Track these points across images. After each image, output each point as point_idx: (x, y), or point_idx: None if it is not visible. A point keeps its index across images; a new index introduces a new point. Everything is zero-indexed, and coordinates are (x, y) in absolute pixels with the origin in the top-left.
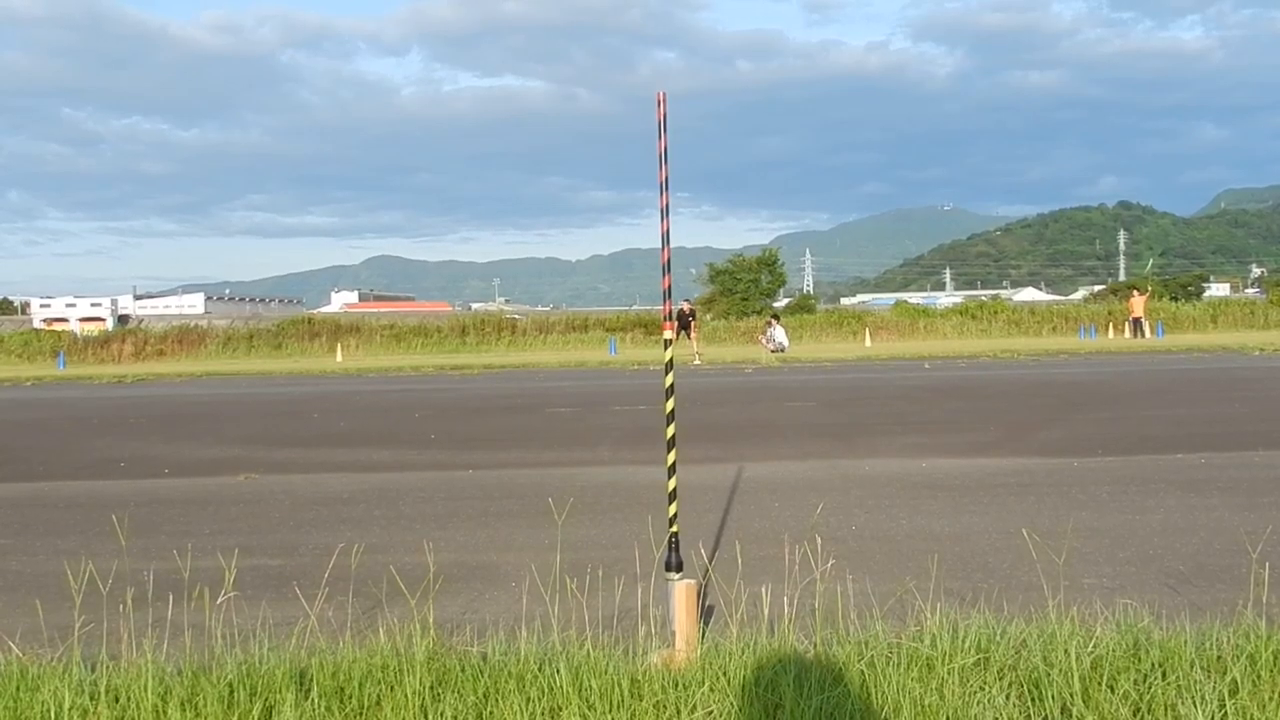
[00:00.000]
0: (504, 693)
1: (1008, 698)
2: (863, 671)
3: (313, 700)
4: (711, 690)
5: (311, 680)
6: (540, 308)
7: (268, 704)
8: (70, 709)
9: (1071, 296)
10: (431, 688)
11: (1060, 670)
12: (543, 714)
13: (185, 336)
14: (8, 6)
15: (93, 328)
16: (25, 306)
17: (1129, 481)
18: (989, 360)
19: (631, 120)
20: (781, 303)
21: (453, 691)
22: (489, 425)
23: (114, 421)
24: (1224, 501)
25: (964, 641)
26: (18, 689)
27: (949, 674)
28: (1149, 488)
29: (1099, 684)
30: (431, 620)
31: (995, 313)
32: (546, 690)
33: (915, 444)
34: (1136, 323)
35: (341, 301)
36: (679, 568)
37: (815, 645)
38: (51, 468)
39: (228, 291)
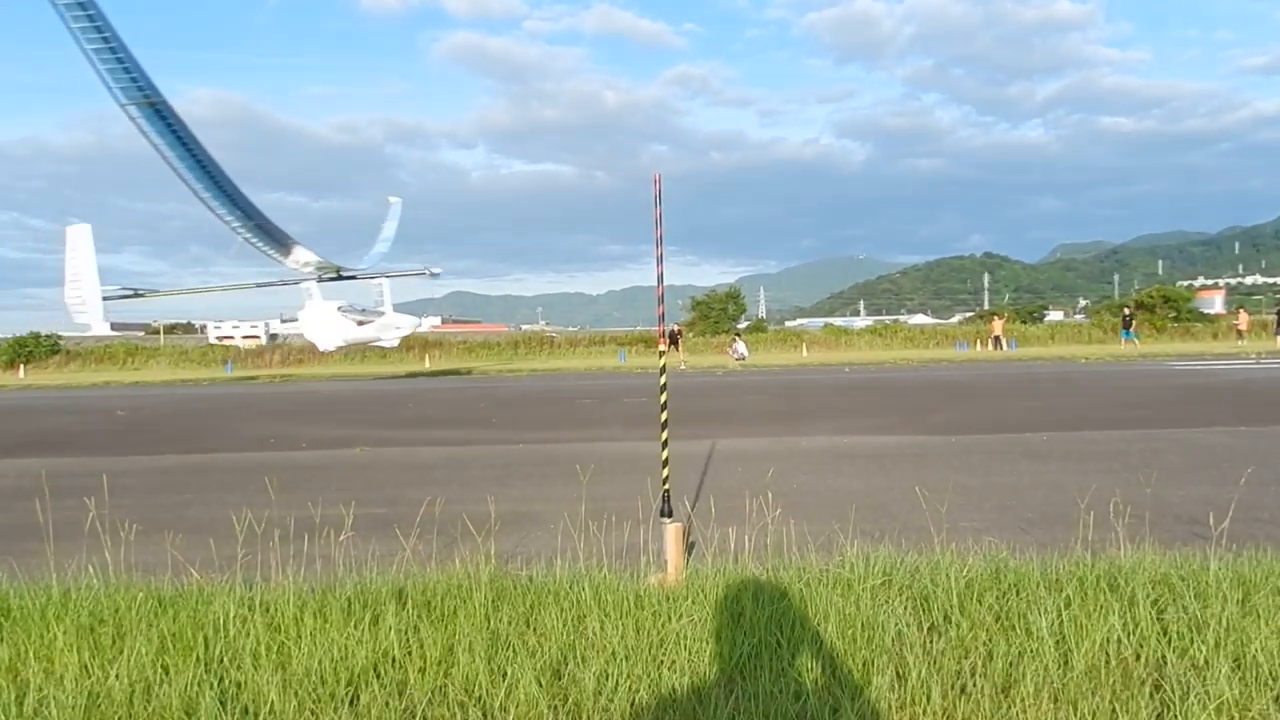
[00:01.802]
0: (545, 604)
1: (905, 608)
2: (801, 590)
3: (408, 610)
4: (693, 603)
5: (407, 596)
6: (571, 328)
7: (375, 613)
8: (234, 617)
9: (950, 320)
10: (493, 601)
11: (943, 589)
12: (573, 619)
13: (317, 349)
14: (190, 112)
15: (251, 343)
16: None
17: (992, 453)
18: (891, 366)
19: (636, 193)
20: (743, 324)
21: (508, 603)
22: (534, 412)
23: (266, 410)
24: (1060, 467)
25: (874, 567)
26: (196, 603)
27: (863, 591)
28: (1007, 457)
29: (971, 598)
30: (493, 552)
31: (896, 332)
32: (575, 602)
33: (839, 425)
34: (996, 339)
35: (429, 324)
36: (670, 514)
37: (767, 571)
38: (222, 442)
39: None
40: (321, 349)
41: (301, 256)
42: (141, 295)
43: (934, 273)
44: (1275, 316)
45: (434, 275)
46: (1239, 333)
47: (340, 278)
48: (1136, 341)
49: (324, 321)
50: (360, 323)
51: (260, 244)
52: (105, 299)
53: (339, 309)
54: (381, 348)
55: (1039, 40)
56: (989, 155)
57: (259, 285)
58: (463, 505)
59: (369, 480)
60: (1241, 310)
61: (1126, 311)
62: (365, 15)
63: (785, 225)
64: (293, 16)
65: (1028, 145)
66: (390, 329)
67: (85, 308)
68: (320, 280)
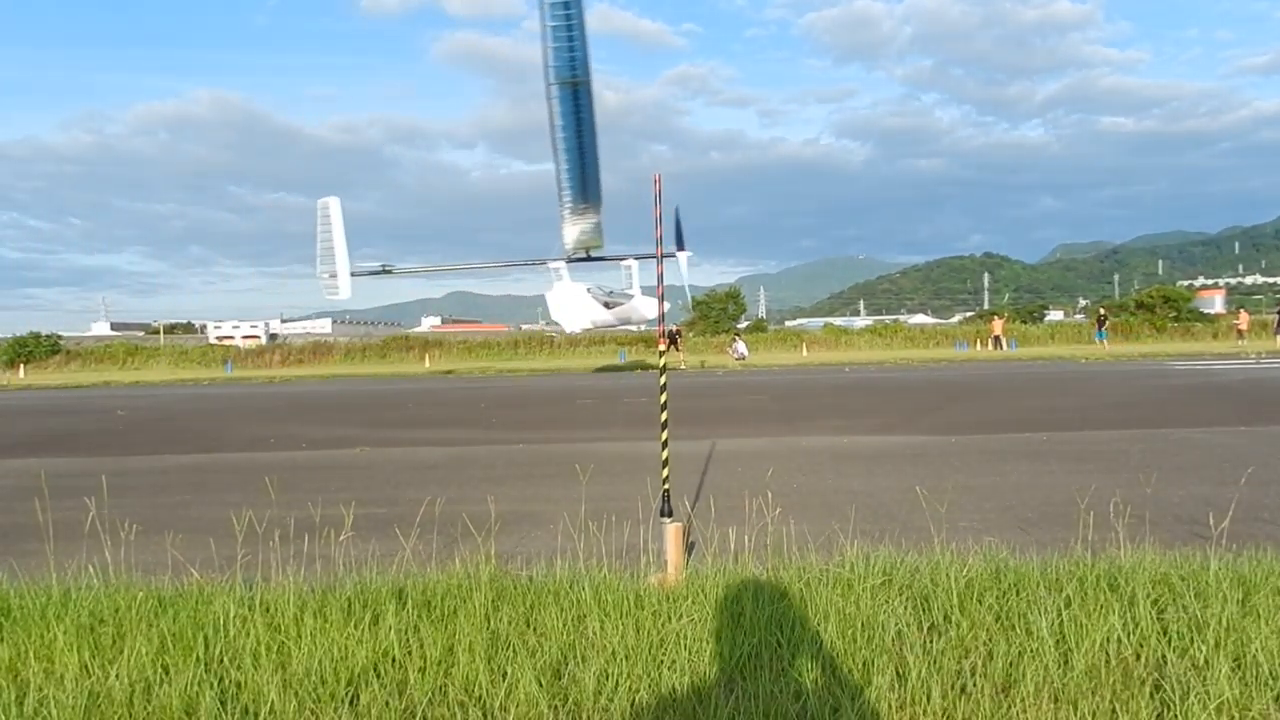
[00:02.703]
0: (545, 604)
1: (905, 608)
2: (801, 590)
3: (408, 610)
4: (693, 603)
5: (407, 596)
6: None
7: (375, 613)
8: (234, 617)
9: (950, 320)
10: (493, 601)
11: (943, 588)
12: (573, 620)
13: (317, 349)
14: (191, 113)
15: (251, 343)
16: (203, 328)
17: (992, 453)
18: (891, 366)
19: (636, 194)
20: (743, 324)
21: (508, 603)
22: (534, 412)
23: (266, 410)
24: (1060, 467)
25: (874, 567)
26: (196, 602)
27: (863, 591)
28: (1007, 457)
29: (971, 598)
30: (493, 552)
31: (895, 332)
32: (575, 602)
33: (839, 425)
34: (997, 339)
35: (429, 324)
36: (670, 514)
37: (767, 570)
38: (221, 442)
39: (348, 317)
40: (567, 330)
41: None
42: (390, 271)
43: (934, 273)
44: (1275, 316)
45: (692, 263)
46: (1239, 333)
47: (589, 258)
48: (1105, 343)
49: (573, 303)
50: (608, 305)
51: (575, 228)
52: (354, 275)
53: (588, 290)
54: (625, 333)
55: (1039, 40)
56: (989, 155)
57: (509, 264)
58: (463, 505)
59: (369, 480)
60: (1242, 310)
61: (1101, 312)
62: (365, 15)
63: (785, 225)
64: (293, 16)
65: (1028, 145)
66: (637, 312)
67: (336, 283)
68: (570, 260)
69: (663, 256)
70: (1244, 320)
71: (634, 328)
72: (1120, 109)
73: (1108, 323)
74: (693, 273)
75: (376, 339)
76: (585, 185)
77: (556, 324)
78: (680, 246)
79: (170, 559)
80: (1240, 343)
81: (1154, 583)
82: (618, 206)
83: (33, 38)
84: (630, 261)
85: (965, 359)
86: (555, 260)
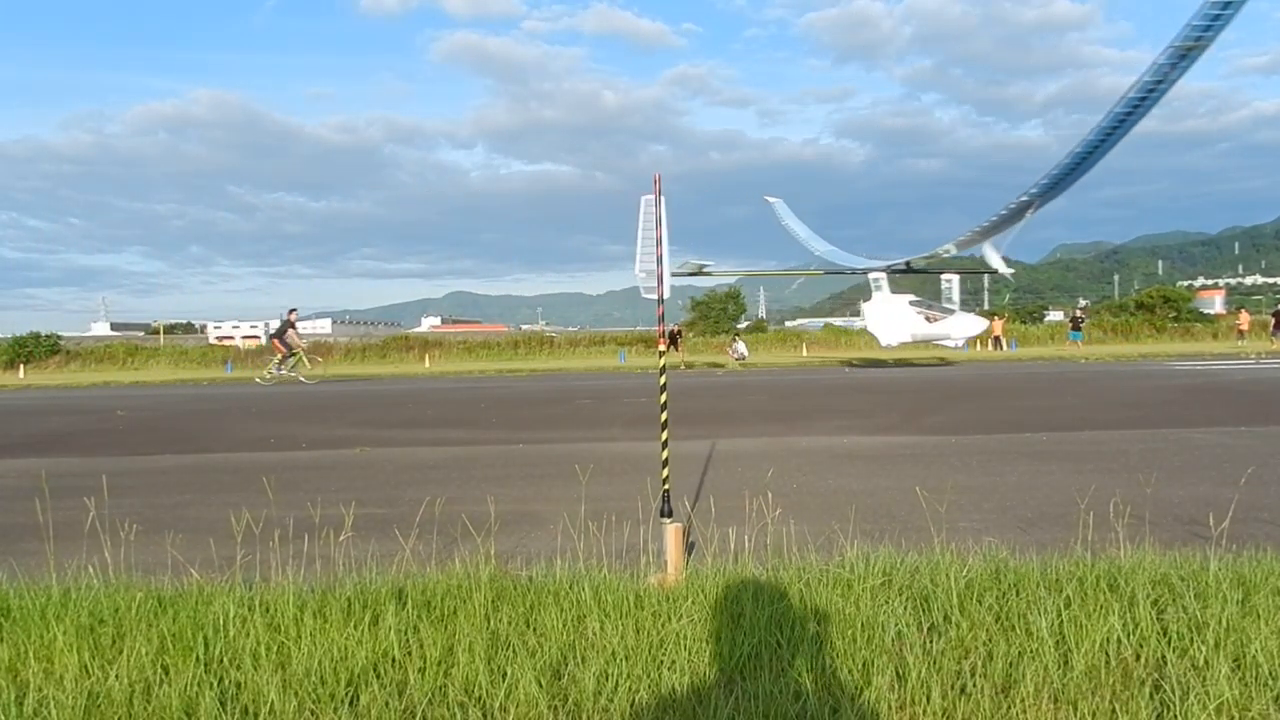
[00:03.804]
0: (545, 604)
1: (905, 608)
2: (801, 590)
3: (408, 611)
4: (693, 603)
5: (407, 596)
6: (571, 328)
7: (375, 613)
8: (233, 617)
9: None
10: (493, 601)
11: (943, 588)
12: (573, 620)
13: (317, 349)
14: (190, 113)
15: (251, 343)
16: (203, 328)
17: (992, 453)
18: (891, 366)
19: (636, 194)
20: (743, 324)
21: (508, 604)
22: (534, 412)
23: (265, 410)
24: (1060, 467)
25: (874, 567)
26: (195, 603)
27: (863, 591)
28: (1006, 457)
29: (971, 598)
30: (493, 552)
31: None
32: (575, 603)
33: (838, 425)
34: (997, 339)
35: (428, 324)
36: (670, 515)
37: (767, 571)
38: (221, 443)
39: (347, 317)
40: (884, 344)
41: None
42: (708, 273)
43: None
44: (1273, 317)
45: (1008, 275)
46: (1240, 333)
47: (910, 270)
48: (1080, 343)
49: (893, 316)
50: (930, 319)
51: (1003, 224)
52: (674, 275)
53: (910, 303)
54: (944, 347)
55: (1038, 40)
56: (988, 155)
57: (826, 272)
58: (463, 505)
59: (369, 480)
60: (1243, 311)
61: (1078, 314)
62: (364, 15)
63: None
64: (292, 16)
65: (1027, 145)
66: (959, 327)
67: (656, 282)
68: (890, 272)
69: (662, 257)
70: (1245, 320)
71: (953, 342)
72: None
73: (1084, 324)
74: None
75: (376, 339)
76: (1083, 170)
77: (872, 335)
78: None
79: (170, 559)
80: (1241, 343)
81: (1154, 583)
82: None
83: (33, 38)
84: (951, 276)
85: (966, 359)
86: (875, 271)
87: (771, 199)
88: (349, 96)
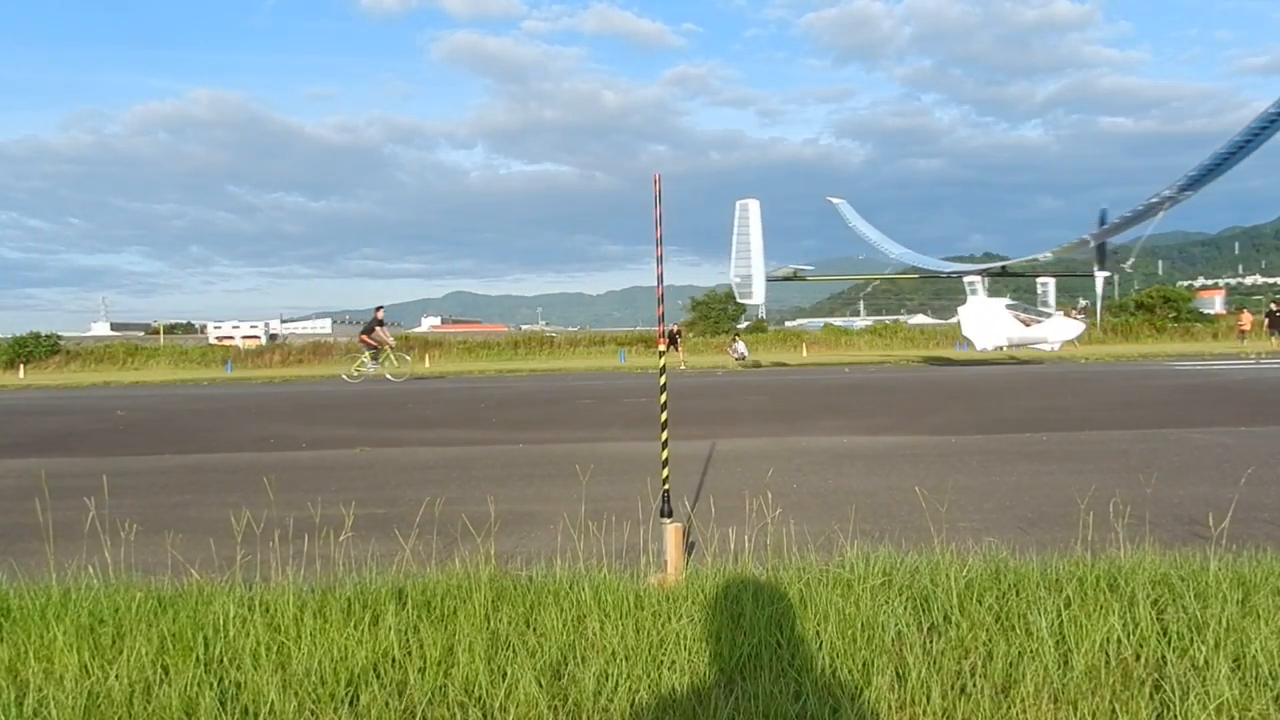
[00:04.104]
0: (545, 604)
1: (905, 608)
2: (801, 590)
3: (408, 611)
4: (693, 603)
5: (407, 596)
6: (570, 328)
7: (375, 613)
8: (233, 617)
9: (950, 321)
10: (493, 601)
11: (943, 588)
12: (573, 620)
13: (317, 349)
14: (190, 113)
15: (251, 343)
16: (203, 328)
17: (992, 453)
18: (891, 366)
19: (635, 194)
20: (743, 325)
21: (508, 604)
22: (534, 412)
23: (266, 410)
24: (1060, 467)
25: (874, 567)
26: (195, 603)
27: (863, 591)
28: (1006, 457)
29: (971, 598)
30: (493, 552)
31: (895, 332)
32: (575, 603)
33: (838, 425)
34: None
35: (428, 324)
36: (670, 515)
37: (767, 571)
38: (221, 443)
39: (348, 317)
40: (979, 347)
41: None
42: (802, 278)
43: None
44: (1266, 317)
45: (1113, 275)
46: (1242, 333)
47: (1005, 273)
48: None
49: (989, 319)
50: (1026, 323)
51: (1132, 222)
52: (769, 279)
53: (1007, 307)
54: (1039, 351)
55: (1038, 40)
56: (989, 155)
57: (925, 275)
58: (463, 505)
59: (369, 480)
60: (1244, 311)
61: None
62: (364, 15)
63: (785, 225)
64: (292, 16)
65: (1027, 145)
66: (1056, 330)
67: (750, 286)
68: (986, 275)
69: (662, 258)
70: (1247, 321)
71: (1049, 346)
72: (1120, 109)
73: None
74: (693, 273)
75: None
76: (1225, 169)
77: (968, 339)
78: (1101, 263)
79: (170, 559)
80: (1242, 344)
81: (1154, 583)
82: (614, 207)
83: (33, 38)
84: (1047, 280)
85: (965, 359)
86: (971, 274)
87: (835, 200)
88: (349, 96)
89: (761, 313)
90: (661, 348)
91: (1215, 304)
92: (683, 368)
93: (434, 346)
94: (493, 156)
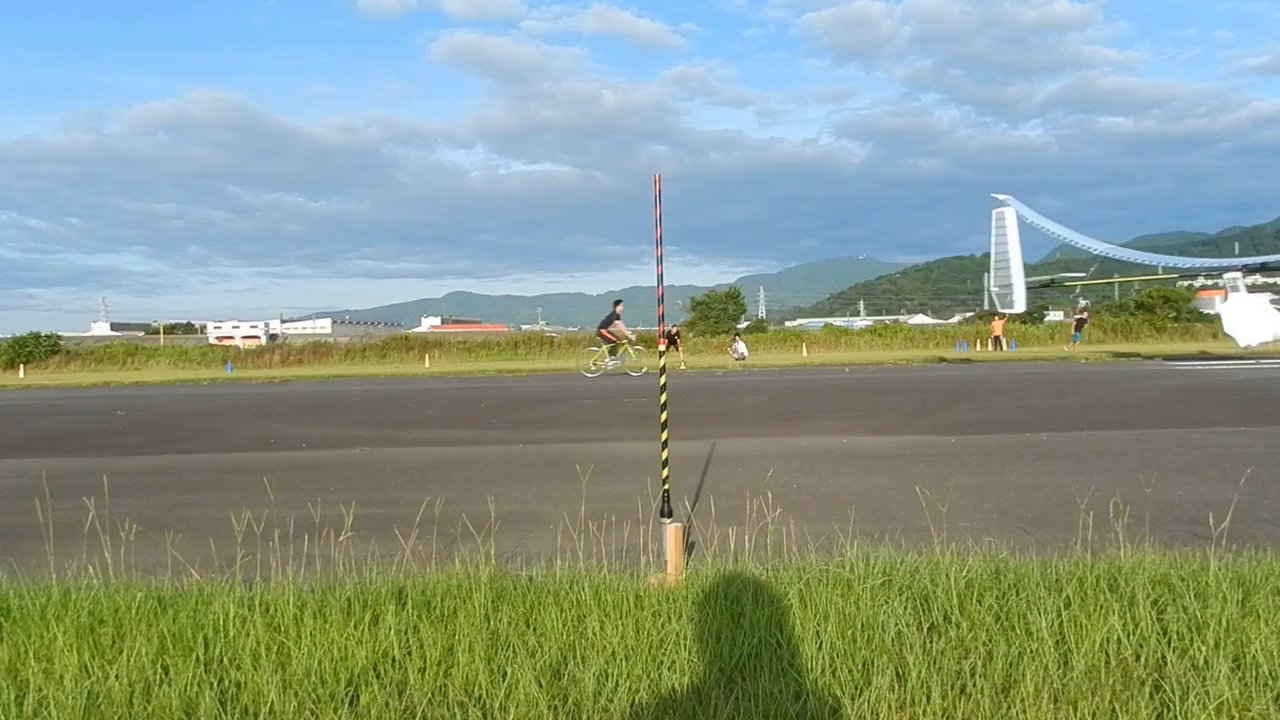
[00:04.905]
0: (544, 605)
1: (905, 608)
2: (801, 590)
3: (408, 611)
4: (693, 603)
5: (407, 596)
6: (570, 328)
7: (375, 613)
8: (233, 617)
9: (950, 320)
10: (493, 601)
11: (943, 588)
12: (573, 620)
13: (317, 349)
14: (189, 113)
15: (251, 343)
16: (203, 328)
17: (992, 453)
18: (891, 366)
19: (635, 194)
20: (743, 325)
21: (508, 604)
22: (534, 412)
23: (266, 410)
24: (1060, 467)
25: (874, 567)
26: (195, 603)
27: (863, 591)
28: (1006, 457)
29: (971, 598)
30: (492, 552)
31: (896, 333)
32: (575, 603)
33: (838, 426)
34: (997, 339)
35: (428, 324)
36: (670, 515)
37: (767, 571)
38: (221, 443)
39: (347, 317)
40: (1242, 344)
41: None
42: (1061, 284)
43: (934, 273)
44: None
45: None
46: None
47: (1265, 269)
48: (1078, 344)
49: (1254, 316)
50: None
51: None
52: (1029, 287)
53: (1270, 302)
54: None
55: (1038, 40)
56: (988, 155)
57: (1179, 273)
58: (463, 505)
59: (369, 480)
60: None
61: (1080, 316)
62: (363, 15)
63: (785, 225)
64: (291, 16)
65: (1027, 145)
66: None
67: (1012, 295)
68: (1246, 271)
69: (662, 258)
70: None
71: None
72: (1120, 109)
73: (1085, 326)
74: (693, 273)
75: (376, 339)
76: None
77: (1229, 336)
78: None
79: (170, 559)
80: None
81: (1154, 583)
82: (614, 207)
83: (33, 38)
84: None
85: (965, 359)
86: (1232, 271)
87: (1001, 196)
88: (349, 96)
89: (762, 311)
90: (661, 348)
91: (1215, 304)
92: (682, 368)
93: (434, 346)
94: (492, 156)
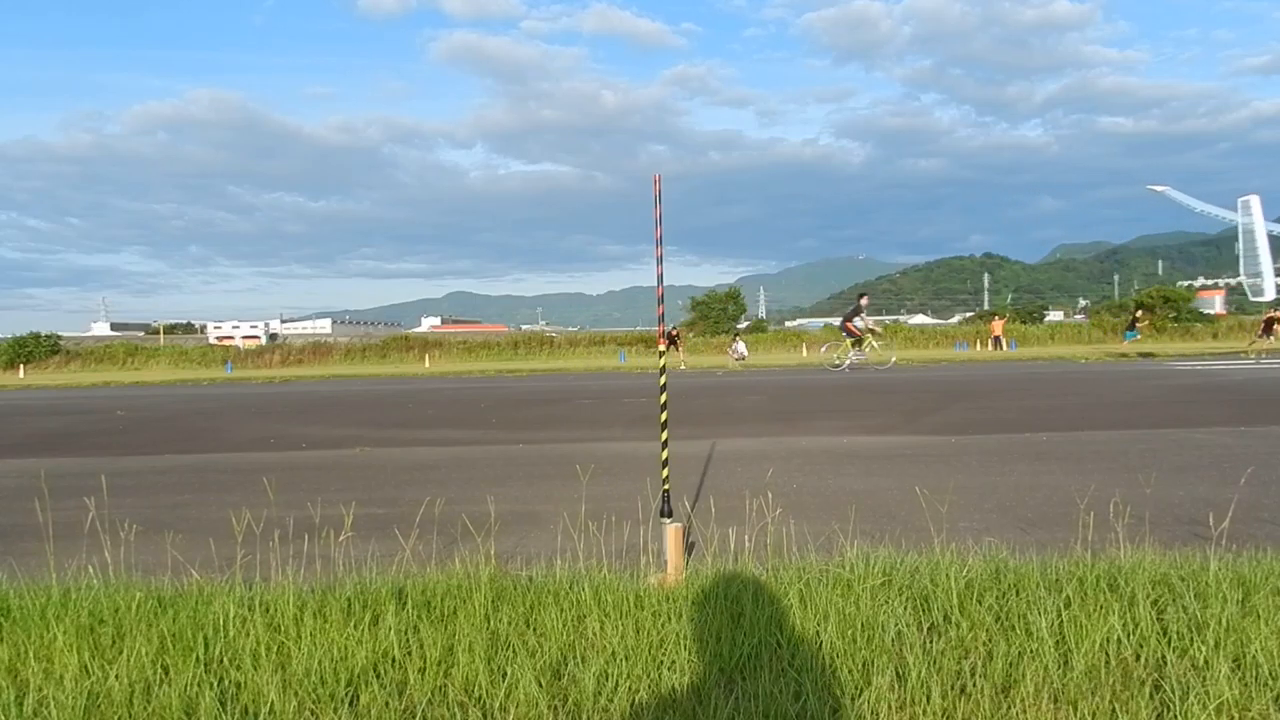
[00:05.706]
0: (544, 604)
1: (905, 608)
2: (801, 590)
3: (408, 610)
4: (693, 603)
5: (407, 596)
6: (570, 328)
7: (375, 613)
8: (233, 617)
9: (950, 320)
10: (493, 601)
11: (943, 589)
12: (573, 620)
13: (317, 349)
14: (189, 113)
15: (251, 343)
16: (203, 328)
17: (992, 453)
18: (890, 366)
19: (635, 194)
20: (742, 325)
21: (508, 604)
22: (534, 412)
23: (266, 410)
24: (1060, 467)
25: (874, 567)
26: (196, 603)
27: (863, 591)
28: (1006, 458)
29: (971, 598)
30: (492, 552)
31: (895, 333)
32: (575, 603)
33: (838, 425)
34: (996, 339)
35: (428, 324)
36: (670, 515)
37: (767, 570)
38: (221, 443)
39: (347, 317)
40: None
41: None
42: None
43: (934, 273)
44: (1262, 323)
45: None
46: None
47: None
48: (1132, 340)
49: None
50: None
51: None
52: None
53: None
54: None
55: (1037, 40)
56: (988, 155)
57: None
58: (463, 505)
59: (369, 480)
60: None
61: (1138, 314)
62: (363, 15)
63: (785, 225)
64: (291, 16)
65: (1027, 145)
66: None
67: (1263, 283)
68: None
69: (662, 258)
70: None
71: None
72: (1119, 109)
73: (1139, 323)
74: (692, 273)
75: (376, 339)
76: None
77: None
78: None
79: (170, 559)
80: (1269, 341)
81: (1154, 583)
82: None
83: (33, 38)
84: None
85: (965, 359)
86: None
87: (1159, 188)
88: (348, 96)
89: (761, 311)
90: (661, 348)
91: (1215, 304)
92: (682, 368)
93: (434, 346)
94: (492, 156)
